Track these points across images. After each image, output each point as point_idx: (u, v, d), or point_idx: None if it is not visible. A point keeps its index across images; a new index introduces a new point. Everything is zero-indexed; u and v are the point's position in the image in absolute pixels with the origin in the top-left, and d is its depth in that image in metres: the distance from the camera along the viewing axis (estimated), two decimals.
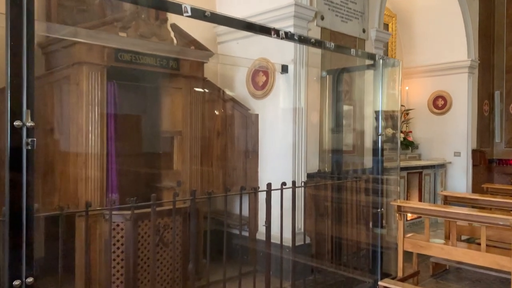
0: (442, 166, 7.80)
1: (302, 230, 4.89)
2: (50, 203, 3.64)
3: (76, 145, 3.74)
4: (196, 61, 4.48)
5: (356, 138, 5.64)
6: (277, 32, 3.22)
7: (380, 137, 4.14)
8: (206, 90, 4.62)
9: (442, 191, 7.21)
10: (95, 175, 3.78)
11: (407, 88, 8.34)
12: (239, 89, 5.38)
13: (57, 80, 3.66)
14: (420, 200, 7.22)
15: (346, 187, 4.69)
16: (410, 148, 7.95)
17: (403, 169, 6.95)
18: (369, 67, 4.57)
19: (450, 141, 7.98)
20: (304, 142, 4.89)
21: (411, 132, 8.13)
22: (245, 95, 5.28)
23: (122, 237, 3.85)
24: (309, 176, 4.97)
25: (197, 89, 4.49)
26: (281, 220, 3.84)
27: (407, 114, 8.18)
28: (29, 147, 2.01)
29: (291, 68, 4.83)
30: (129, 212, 3.83)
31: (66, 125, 3.73)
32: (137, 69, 4.12)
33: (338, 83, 4.94)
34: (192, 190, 3.16)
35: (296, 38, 3.37)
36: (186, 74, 4.42)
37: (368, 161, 5.87)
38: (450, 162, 7.87)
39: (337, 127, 5.05)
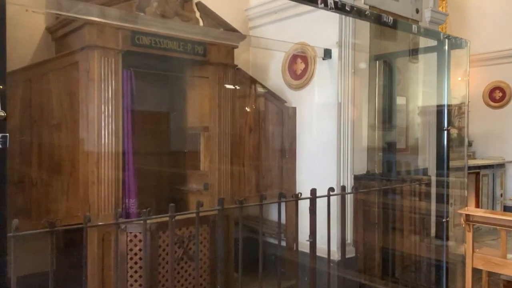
0: (501, 166, 6.92)
1: (349, 241, 4.23)
2: (56, 210, 3.12)
3: (87, 142, 3.21)
4: (225, 46, 3.88)
5: (409, 134, 4.90)
6: (324, 1, 2.56)
7: (445, 132, 3.40)
8: (237, 80, 4.01)
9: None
10: (109, 177, 3.24)
11: (459, 79, 7.48)
12: (273, 79, 4.74)
13: (64, 67, 3.14)
14: (477, 205, 6.39)
15: (401, 191, 3.98)
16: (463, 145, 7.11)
17: (457, 169, 6.13)
18: (427, 50, 3.85)
19: (510, 138, 7.08)
20: (350, 139, 4.21)
21: (463, 127, 7.28)
22: (280, 85, 4.64)
23: (140, 250, 3.30)
24: (356, 178, 4.28)
25: (226, 79, 3.89)
26: (328, 233, 3.19)
27: (460, 108, 7.33)
28: (0, 145, 1.45)
29: (335, 53, 4.16)
30: (149, 221, 3.28)
31: (75, 119, 3.21)
32: (158, 55, 3.55)
33: (390, 70, 4.22)
34: (219, 199, 2.55)
35: (348, 9, 2.70)
36: (214, 61, 3.82)
37: (422, 161, 5.12)
38: (510, 162, 6.98)
39: (389, 122, 4.34)
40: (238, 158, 4.03)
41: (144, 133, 3.87)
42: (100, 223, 2.34)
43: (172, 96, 4.27)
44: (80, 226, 1.99)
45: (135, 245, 3.30)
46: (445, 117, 3.46)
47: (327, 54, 4.16)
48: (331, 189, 3.11)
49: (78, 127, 3.22)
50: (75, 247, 3.16)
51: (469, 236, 3.71)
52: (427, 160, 5.15)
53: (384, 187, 3.82)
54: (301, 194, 2.91)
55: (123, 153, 3.40)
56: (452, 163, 5.57)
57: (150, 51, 3.48)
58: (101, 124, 3.19)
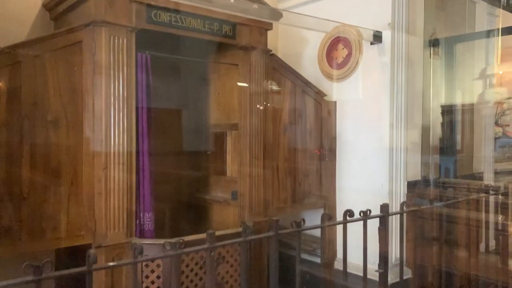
0: None
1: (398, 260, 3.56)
2: (53, 229, 2.47)
3: (93, 143, 2.57)
4: (258, 27, 3.22)
5: (465, 132, 4.23)
6: None
7: None
8: (271, 68, 3.35)
9: None
10: (121, 185, 2.60)
11: (500, 72, 6.78)
12: (307, 69, 4.06)
13: (63, 47, 2.49)
14: None
15: (468, 201, 3.31)
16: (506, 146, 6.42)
17: (507, 173, 5.45)
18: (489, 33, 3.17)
19: None
20: (404, 140, 3.54)
21: (508, 125, 6.58)
22: (316, 76, 3.97)
23: (158, 277, 2.65)
24: (410, 185, 3.61)
25: (259, 67, 3.23)
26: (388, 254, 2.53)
27: (503, 104, 6.64)
28: None
29: (386, 36, 3.49)
30: (163, 241, 2.63)
31: (77, 114, 2.56)
32: (179, 36, 2.91)
33: (449, 57, 3.55)
34: (272, 220, 1.89)
35: None
36: (244, 45, 3.16)
37: (477, 163, 4.45)
38: None
39: (447, 119, 3.67)
40: (271, 161, 3.37)
41: (161, 131, 3.23)
42: (111, 264, 1.67)
43: (194, 87, 3.62)
44: (81, 270, 1.34)
45: (152, 271, 2.65)
46: None
47: (377, 37, 3.49)
48: (404, 204, 2.44)
49: (82, 124, 2.57)
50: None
51: None
52: (480, 162, 4.48)
53: (460, 199, 3.13)
54: (370, 211, 2.25)
55: (137, 156, 2.76)
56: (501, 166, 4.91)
57: (170, 31, 2.83)
58: (110, 120, 2.55)
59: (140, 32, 2.68)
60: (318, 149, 3.69)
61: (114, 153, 2.58)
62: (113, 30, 2.55)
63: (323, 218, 2.05)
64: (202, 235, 2.76)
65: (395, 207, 3.52)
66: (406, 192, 3.60)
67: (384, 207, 2.26)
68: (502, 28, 4.32)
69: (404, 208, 2.42)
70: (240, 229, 3.00)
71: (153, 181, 2.91)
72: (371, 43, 3.55)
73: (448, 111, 4.10)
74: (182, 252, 1.69)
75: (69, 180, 2.55)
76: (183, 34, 2.90)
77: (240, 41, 3.14)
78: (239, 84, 3.21)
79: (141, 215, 2.82)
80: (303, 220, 1.95)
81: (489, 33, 4.28)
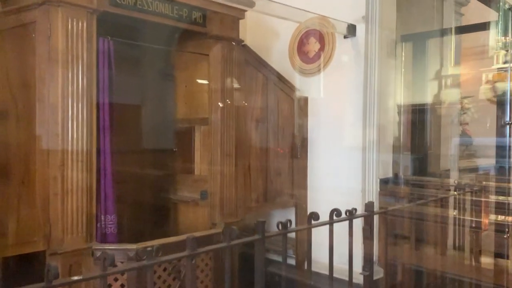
0: None
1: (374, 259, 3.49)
2: (1, 233, 2.16)
3: (48, 138, 2.28)
4: (230, 15, 3.02)
5: (432, 131, 4.24)
6: None
7: (508, 127, 2.72)
8: (243, 60, 3.17)
9: None
10: (79, 185, 2.32)
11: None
12: (277, 63, 3.91)
13: (12, 28, 2.19)
14: None
15: (441, 199, 3.28)
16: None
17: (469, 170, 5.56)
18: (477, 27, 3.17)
19: None
20: (376, 137, 3.46)
21: (467, 124, 6.76)
22: (286, 71, 3.82)
23: (122, 286, 2.40)
24: (382, 182, 3.55)
25: (231, 58, 3.03)
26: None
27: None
28: None
29: (360, 29, 3.40)
30: (134, 246, 2.39)
31: (29, 105, 2.26)
32: (144, 21, 2.66)
33: (420, 53, 3.52)
34: (259, 222, 1.71)
35: None
36: (216, 33, 2.96)
37: (444, 161, 4.48)
38: None
39: (419, 116, 3.65)
40: (243, 158, 3.19)
41: (124, 126, 2.96)
42: (75, 278, 1.41)
43: (160, 78, 3.37)
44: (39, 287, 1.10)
45: (116, 280, 2.39)
46: (507, 110, 2.77)
47: (351, 31, 3.39)
48: (369, 206, 2.34)
49: (34, 116, 2.28)
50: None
51: None
52: (447, 159, 4.52)
53: (429, 196, 3.09)
54: (355, 210, 2.12)
55: (98, 153, 2.49)
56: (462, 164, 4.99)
57: (135, 15, 2.58)
58: (68, 112, 2.27)
59: (102, 15, 2.42)
60: (284, 147, 3.53)
61: (72, 149, 2.30)
62: (71, 12, 2.27)
63: (309, 218, 1.89)
64: (173, 239, 2.55)
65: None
66: (378, 190, 3.53)
67: (369, 206, 2.14)
68: (457, 27, 4.37)
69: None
70: (211, 231, 2.82)
71: (116, 180, 2.65)
72: (345, 37, 3.45)
73: (416, 110, 4.09)
74: (159, 261, 1.47)
75: (20, 179, 2.25)
76: (150, 19, 2.65)
77: (211, 30, 2.93)
78: (209, 75, 3.00)
79: (102, 218, 2.56)
80: (290, 222, 1.78)
81: (442, 32, 4.30)
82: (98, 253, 2.37)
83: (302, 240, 3.70)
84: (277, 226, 1.76)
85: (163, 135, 3.40)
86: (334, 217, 1.95)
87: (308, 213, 1.94)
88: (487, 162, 5.30)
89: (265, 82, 3.37)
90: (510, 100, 2.92)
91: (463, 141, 5.80)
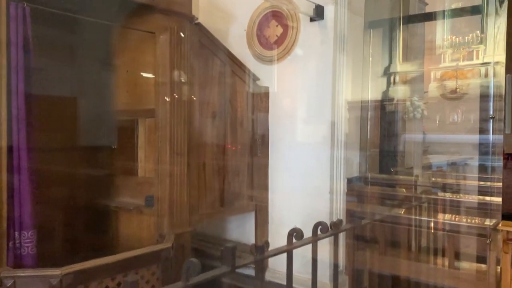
0: None
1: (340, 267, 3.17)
2: None
3: None
4: None
5: (397, 127, 3.99)
6: None
7: (491, 120, 2.48)
8: (197, 41, 2.69)
9: None
10: None
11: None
12: (234, 49, 3.45)
13: None
14: None
15: (413, 198, 3.01)
16: None
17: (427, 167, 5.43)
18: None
19: None
20: (344, 132, 3.13)
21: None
22: (244, 58, 3.39)
23: None
24: (349, 181, 3.23)
25: (182, 37, 2.55)
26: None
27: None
28: None
29: (329, 11, 3.03)
30: (58, 271, 1.86)
31: None
32: None
33: (392, 40, 3.22)
34: (228, 249, 1.27)
35: None
36: (165, 7, 2.46)
37: (408, 158, 4.26)
38: None
39: (389, 109, 3.36)
40: (196, 157, 2.72)
41: (48, 119, 2.38)
42: None
43: (95, 61, 2.80)
44: None
45: None
46: (491, 104, 2.52)
47: (318, 12, 3.01)
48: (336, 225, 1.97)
49: None
50: None
51: (507, 259, 2.84)
52: (411, 157, 4.31)
53: (397, 195, 2.78)
54: (341, 222, 1.73)
55: (11, 151, 1.93)
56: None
57: None
58: None
59: None
60: (243, 144, 3.11)
61: None
62: None
63: (289, 236, 1.47)
64: (110, 259, 2.04)
65: (335, 206, 3.12)
66: (345, 190, 3.20)
67: (337, 226, 1.75)
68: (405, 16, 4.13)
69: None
70: (158, 247, 2.33)
71: (36, 185, 2.09)
72: (311, 20, 3.07)
73: (381, 105, 3.83)
74: None
75: None
76: None
77: (159, 3, 2.43)
78: (156, 58, 2.50)
79: (16, 235, 1.99)
80: (267, 244, 1.36)
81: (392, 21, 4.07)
82: (8, 282, 1.83)
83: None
84: (251, 251, 1.32)
85: (99, 130, 2.85)
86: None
87: (289, 230, 1.52)
88: (446, 158, 5.19)
89: (223, 69, 2.92)
90: (493, 95, 2.67)
91: (428, 138, 5.67)
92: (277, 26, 3.25)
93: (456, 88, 6.58)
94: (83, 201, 2.76)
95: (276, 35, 3.26)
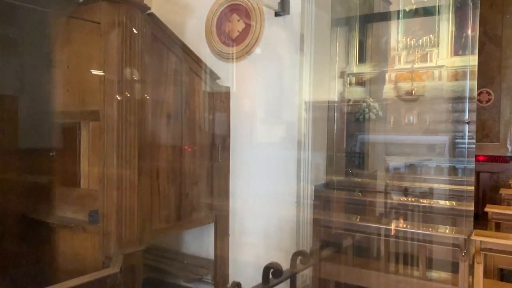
0: None
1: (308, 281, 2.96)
2: None
3: None
4: None
5: (364, 129, 3.84)
6: None
7: (467, 125, 2.35)
8: (149, 35, 2.37)
9: None
10: None
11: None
12: (192, 45, 3.15)
13: None
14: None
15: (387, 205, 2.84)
16: None
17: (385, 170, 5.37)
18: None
19: None
20: (312, 135, 2.92)
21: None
22: (204, 55, 3.10)
23: None
24: (316, 188, 3.02)
25: (132, 29, 2.22)
26: None
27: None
28: None
29: (295, 6, 2.80)
30: None
31: None
32: None
33: (359, 38, 3.04)
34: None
35: None
36: None
37: (372, 161, 4.13)
38: None
39: (357, 110, 3.18)
40: (149, 165, 2.40)
41: None
42: None
43: (30, 53, 2.41)
44: None
45: None
46: (466, 107, 2.39)
47: (284, 7, 2.78)
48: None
49: None
50: None
51: (479, 272, 2.73)
52: (374, 159, 4.20)
53: (366, 199, 2.60)
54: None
55: None
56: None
57: None
58: None
59: None
60: (201, 149, 2.82)
61: None
62: None
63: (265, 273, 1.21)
64: None
65: (302, 213, 2.90)
66: (312, 197, 3.00)
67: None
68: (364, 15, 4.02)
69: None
70: (103, 273, 2.00)
71: None
72: (276, 14, 2.83)
73: (345, 106, 3.66)
74: None
75: None
76: None
77: None
78: (102, 52, 2.16)
79: None
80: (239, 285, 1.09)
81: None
82: None
83: (222, 263, 3.03)
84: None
85: (34, 133, 2.45)
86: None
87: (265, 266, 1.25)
88: (409, 160, 5.13)
89: (179, 65, 2.61)
90: (469, 98, 2.55)
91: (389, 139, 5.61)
92: (238, 20, 2.99)
93: (412, 90, 6.60)
94: (13, 217, 2.36)
95: (238, 31, 2.99)
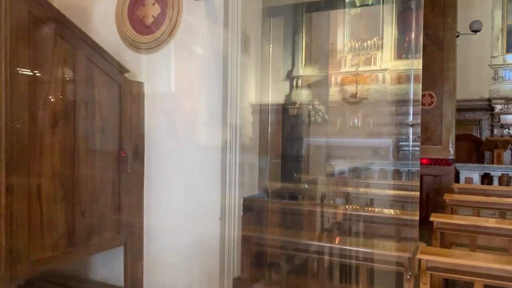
0: None
1: None
2: None
3: None
4: None
5: (302, 132, 3.50)
6: None
7: (411, 128, 2.06)
8: (31, 16, 1.86)
9: None
10: None
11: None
12: (99, 33, 2.66)
13: None
14: None
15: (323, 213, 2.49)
16: None
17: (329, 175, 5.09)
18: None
19: None
20: (238, 139, 2.52)
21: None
22: (113, 45, 2.61)
23: None
24: (246, 201, 2.62)
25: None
26: None
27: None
28: None
29: None
30: None
31: None
32: None
33: (295, 30, 2.70)
34: None
35: None
36: None
37: (313, 167, 3.80)
38: None
39: (292, 110, 2.82)
40: (27, 181, 1.89)
41: None
42: None
43: None
44: None
45: None
46: (410, 110, 2.09)
47: None
48: None
49: None
50: None
51: None
52: (316, 167, 3.87)
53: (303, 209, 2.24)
54: None
55: None
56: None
57: None
58: None
59: None
60: (106, 157, 2.35)
61: None
62: None
63: None
64: None
65: (228, 230, 2.49)
66: (241, 213, 2.59)
67: None
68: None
69: None
70: None
71: None
72: None
73: (283, 108, 3.31)
74: None
75: None
76: None
77: None
78: None
79: None
80: None
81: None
82: None
83: (134, 281, 2.55)
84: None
85: None
86: None
87: None
88: (352, 164, 4.86)
89: (71, 55, 2.11)
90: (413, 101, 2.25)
91: (331, 142, 5.33)
92: (153, 4, 2.54)
93: (356, 93, 6.42)
94: None
95: (153, 16, 2.54)
